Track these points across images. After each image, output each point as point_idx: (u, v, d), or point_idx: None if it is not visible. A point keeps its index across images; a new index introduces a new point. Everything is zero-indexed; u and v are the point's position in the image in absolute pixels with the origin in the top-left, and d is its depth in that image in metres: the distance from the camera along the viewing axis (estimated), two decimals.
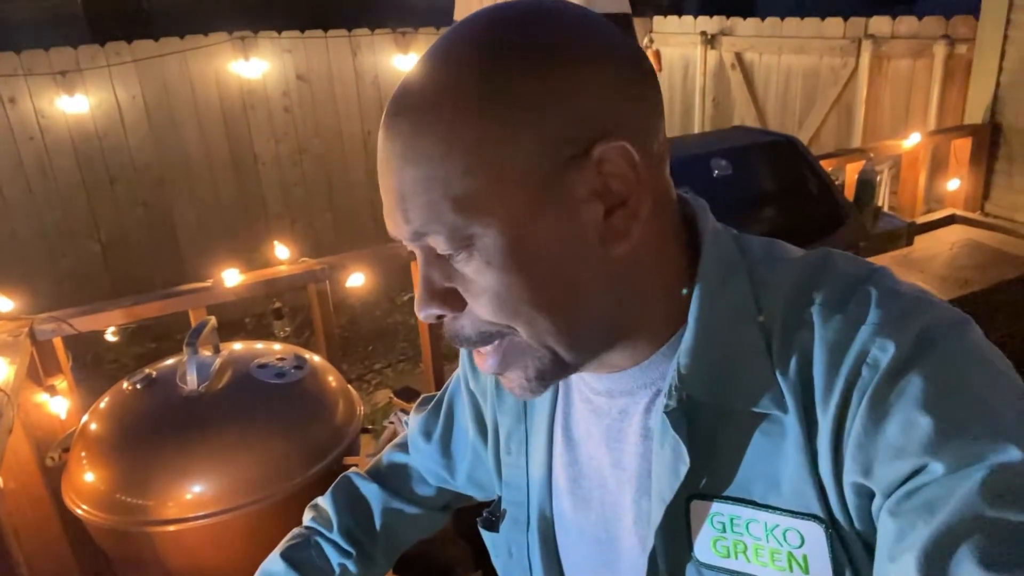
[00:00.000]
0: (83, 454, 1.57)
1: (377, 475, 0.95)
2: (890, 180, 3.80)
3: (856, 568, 0.54)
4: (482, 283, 0.54)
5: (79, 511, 1.53)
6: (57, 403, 1.97)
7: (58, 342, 2.02)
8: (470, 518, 0.81)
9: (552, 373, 0.58)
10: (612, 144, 0.52)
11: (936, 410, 0.48)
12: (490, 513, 0.79)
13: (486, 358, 0.59)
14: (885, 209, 3.35)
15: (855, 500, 0.52)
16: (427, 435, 0.91)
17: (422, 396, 0.99)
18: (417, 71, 0.54)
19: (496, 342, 0.57)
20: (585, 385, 0.67)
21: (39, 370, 1.97)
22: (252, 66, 4.44)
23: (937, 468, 0.47)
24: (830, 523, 0.54)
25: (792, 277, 0.57)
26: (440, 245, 0.53)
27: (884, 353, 0.50)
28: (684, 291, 0.59)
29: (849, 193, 2.87)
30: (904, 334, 0.51)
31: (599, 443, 0.66)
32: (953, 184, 3.56)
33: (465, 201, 0.51)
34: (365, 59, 4.77)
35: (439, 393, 0.93)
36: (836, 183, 2.74)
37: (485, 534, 0.80)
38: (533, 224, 0.52)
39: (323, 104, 4.77)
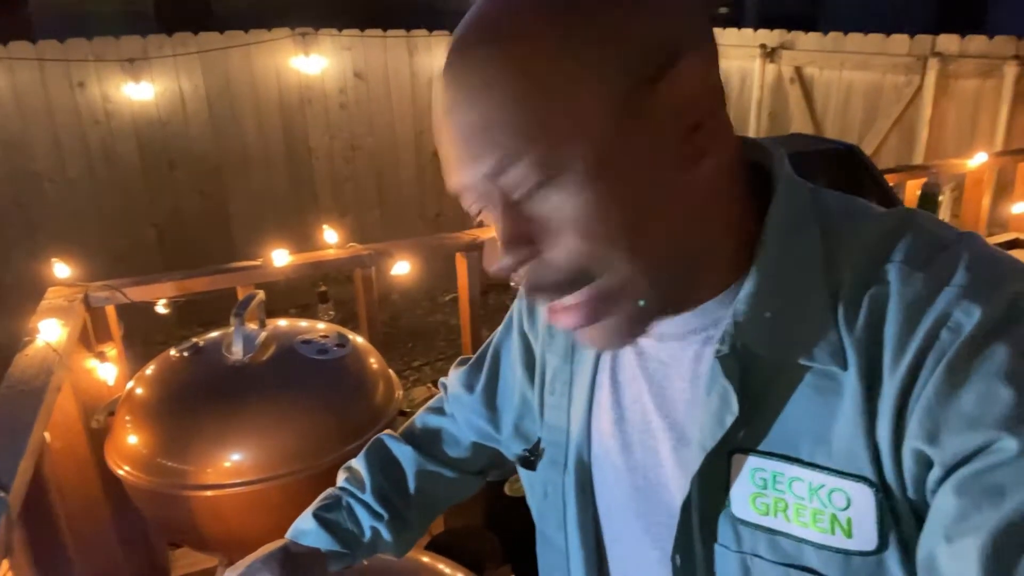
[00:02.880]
0: (127, 417, 1.60)
1: (411, 437, 0.95)
2: (952, 202, 3.69)
3: (902, 536, 0.51)
4: (569, 215, 0.52)
5: (121, 472, 1.55)
6: (106, 369, 2.01)
7: (111, 310, 2.06)
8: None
9: (638, 318, 0.56)
10: (688, 61, 0.51)
11: (1019, 383, 0.45)
12: (529, 452, 0.78)
13: (568, 312, 0.56)
14: None
15: (913, 468, 0.49)
16: (469, 388, 0.90)
17: (460, 357, 0.98)
18: (483, 5, 0.53)
19: (580, 292, 0.54)
20: None
21: (91, 336, 2.01)
22: (312, 62, 4.52)
23: (1011, 445, 0.44)
24: (881, 487, 0.51)
25: (870, 232, 0.55)
26: (523, 179, 0.51)
27: (969, 318, 0.48)
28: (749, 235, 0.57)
29: None
30: (993, 300, 0.48)
31: (644, 387, 0.65)
32: (1018, 208, 3.44)
33: (549, 128, 0.50)
34: (422, 59, 4.82)
35: (480, 349, 0.92)
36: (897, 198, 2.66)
37: (522, 472, 0.79)
38: (616, 147, 0.51)
39: (378, 102, 4.83)
